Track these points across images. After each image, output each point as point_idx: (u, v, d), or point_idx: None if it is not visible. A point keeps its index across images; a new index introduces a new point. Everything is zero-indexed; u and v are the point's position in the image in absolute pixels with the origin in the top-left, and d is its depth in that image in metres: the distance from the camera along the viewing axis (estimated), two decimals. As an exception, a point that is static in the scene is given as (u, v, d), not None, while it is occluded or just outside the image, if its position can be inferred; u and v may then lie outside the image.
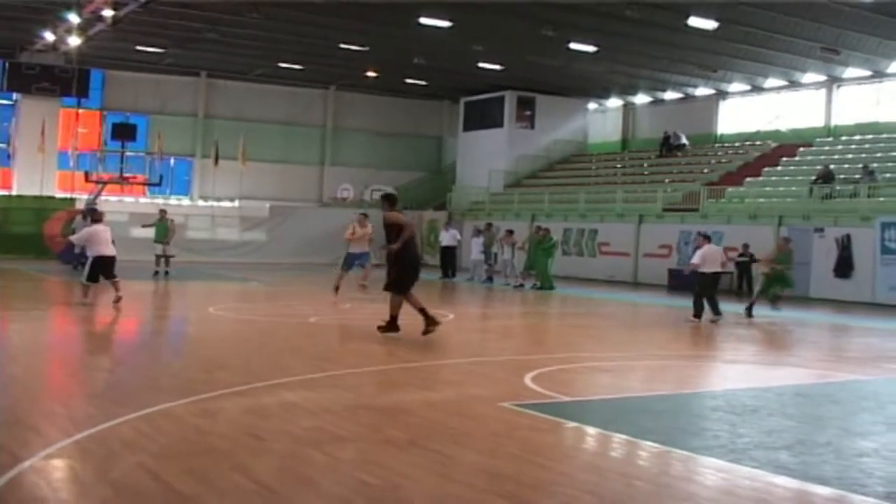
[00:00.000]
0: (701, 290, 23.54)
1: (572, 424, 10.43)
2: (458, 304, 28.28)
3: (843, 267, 32.73)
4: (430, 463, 8.39)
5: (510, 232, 38.09)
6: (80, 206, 41.26)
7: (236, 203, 50.98)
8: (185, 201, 50.88)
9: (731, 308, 26.82)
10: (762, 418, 11.34)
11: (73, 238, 24.60)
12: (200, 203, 50.17)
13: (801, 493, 8.00)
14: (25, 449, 8.17)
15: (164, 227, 33.91)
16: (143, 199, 48.72)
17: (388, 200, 18.07)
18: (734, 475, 8.42)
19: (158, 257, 33.60)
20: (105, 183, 40.52)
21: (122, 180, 41.30)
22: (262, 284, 31.51)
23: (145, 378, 12.41)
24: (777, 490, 8.11)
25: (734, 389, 13.39)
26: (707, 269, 23.60)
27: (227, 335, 18.19)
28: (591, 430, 10.24)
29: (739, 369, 16.07)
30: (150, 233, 34.47)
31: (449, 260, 39.28)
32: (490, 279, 37.09)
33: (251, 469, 7.88)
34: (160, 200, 48.17)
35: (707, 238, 24.62)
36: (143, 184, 44.92)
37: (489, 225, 39.65)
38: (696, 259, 23.88)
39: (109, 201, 42.79)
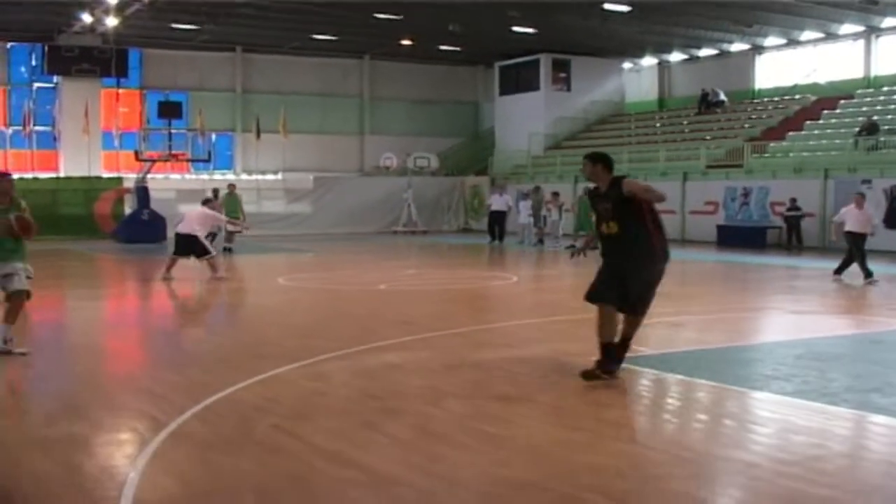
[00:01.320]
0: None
1: (665, 375, 10.80)
2: (517, 266, 28.66)
3: (893, 217, 32.81)
4: (548, 415, 8.80)
5: (556, 194, 38.38)
6: (127, 184, 41.70)
7: (279, 175, 51.33)
8: (230, 176, 51.27)
9: (781, 262, 27.10)
10: (847, 364, 11.68)
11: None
12: (244, 177, 50.55)
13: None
14: (164, 414, 8.61)
15: (234, 202, 33.07)
16: (188, 176, 49.11)
17: (604, 162, 10.64)
18: (833, 416, 8.78)
19: (229, 233, 32.23)
20: (155, 161, 40.88)
21: (172, 157, 41.65)
22: (317, 255, 31.89)
23: (245, 347, 12.81)
24: (877, 428, 8.47)
25: (812, 338, 13.67)
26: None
27: (306, 304, 18.60)
28: (685, 379, 10.61)
29: (810, 319, 16.33)
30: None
31: (499, 224, 39.30)
32: (541, 241, 37.37)
33: (381, 426, 8.31)
34: (205, 176, 48.57)
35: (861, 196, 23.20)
36: (191, 160, 45.27)
37: (537, 188, 39.86)
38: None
39: (156, 179, 43.21)
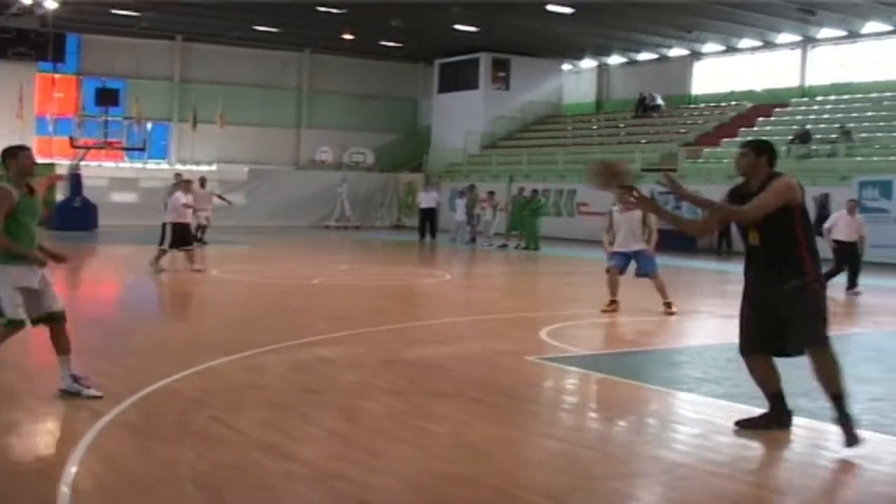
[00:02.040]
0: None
1: (596, 375, 10.97)
2: (450, 264, 28.82)
3: (822, 225, 33.25)
4: (483, 412, 8.92)
5: (491, 193, 38.57)
6: (60, 170, 41.28)
7: (214, 167, 51.10)
8: (164, 165, 50.95)
9: (712, 266, 27.46)
10: (774, 367, 11.90)
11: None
12: (179, 167, 50.22)
13: (825, 433, 8.52)
14: (101, 404, 8.61)
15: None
16: (122, 164, 48.75)
17: (769, 154, 8.33)
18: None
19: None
20: (90, 148, 40.55)
21: (107, 145, 41.32)
22: (253, 247, 31.84)
23: (182, 338, 12.85)
24: (801, 431, 8.67)
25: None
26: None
27: (242, 297, 18.63)
28: (616, 380, 10.78)
29: (740, 323, 16.57)
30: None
31: (429, 221, 39.31)
32: (473, 240, 37.53)
33: (319, 419, 8.39)
34: (139, 165, 48.31)
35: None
36: (126, 149, 44.89)
37: (472, 186, 39.98)
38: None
39: (90, 166, 42.83)
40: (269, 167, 51.46)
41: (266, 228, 41.85)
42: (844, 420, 7.88)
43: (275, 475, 6.78)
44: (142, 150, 44.55)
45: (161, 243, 21.90)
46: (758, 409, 9.16)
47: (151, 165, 49.84)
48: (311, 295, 18.88)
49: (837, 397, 7.99)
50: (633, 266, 17.00)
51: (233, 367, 10.62)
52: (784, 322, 8.19)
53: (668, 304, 16.82)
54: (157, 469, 6.95)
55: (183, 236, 22.06)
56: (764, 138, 8.31)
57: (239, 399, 9.17)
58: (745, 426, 8.42)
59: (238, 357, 11.12)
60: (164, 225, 22.24)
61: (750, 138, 7.79)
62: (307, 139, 55.68)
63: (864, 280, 24.59)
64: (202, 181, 31.78)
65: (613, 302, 16.72)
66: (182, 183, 23.42)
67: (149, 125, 46.08)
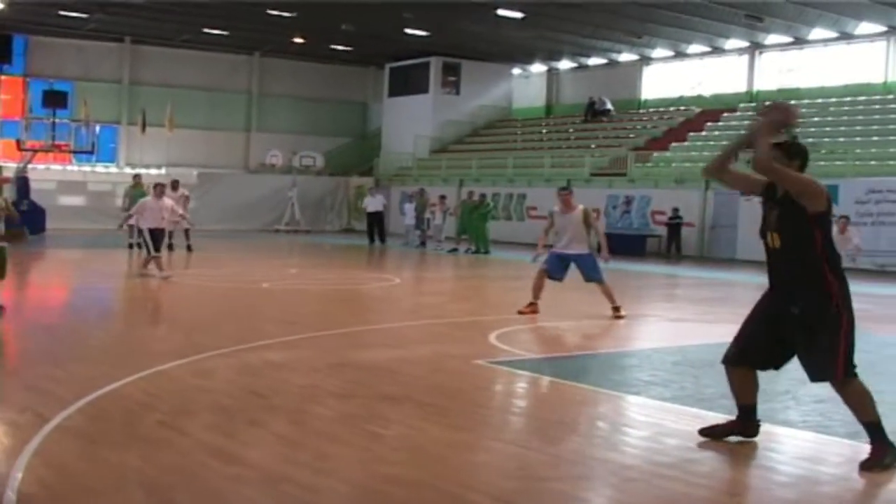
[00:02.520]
0: None
1: (545, 379, 11.02)
2: (399, 268, 28.80)
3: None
4: (431, 415, 8.92)
5: (443, 198, 38.63)
6: (7, 174, 40.85)
7: (163, 170, 50.78)
8: (113, 169, 50.63)
9: (661, 270, 27.62)
10: (721, 371, 11.95)
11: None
12: (128, 170, 49.89)
13: (771, 434, 8.62)
14: (47, 409, 8.54)
15: (141, 194, 28.46)
16: (70, 168, 48.33)
17: (801, 159, 7.91)
18: (708, 420, 9.04)
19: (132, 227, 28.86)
20: (37, 151, 40.23)
21: (55, 148, 40.99)
22: (202, 251, 31.64)
23: (130, 342, 12.76)
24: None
25: (689, 345, 14.02)
26: None
27: (191, 301, 18.54)
28: (565, 383, 10.83)
29: (689, 327, 16.71)
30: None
31: (377, 225, 39.16)
32: (423, 244, 37.55)
33: (267, 423, 8.37)
34: (87, 168, 47.97)
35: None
36: (74, 151, 44.50)
37: (422, 190, 40.01)
38: None
39: (37, 169, 42.53)
40: (219, 171, 51.29)
41: (216, 232, 41.62)
42: (878, 444, 7.42)
43: (223, 479, 6.76)
44: (90, 153, 44.20)
45: (147, 251, 21.60)
46: (705, 412, 9.25)
47: (100, 169, 49.52)
48: (260, 299, 18.83)
49: (872, 424, 7.49)
50: (574, 271, 17.10)
51: (182, 371, 10.57)
52: (797, 345, 7.68)
53: (616, 309, 16.91)
54: (104, 474, 6.90)
55: (156, 243, 21.73)
56: (797, 142, 6.97)
57: (187, 403, 9.13)
58: (707, 434, 8.21)
59: (187, 361, 11.07)
60: (138, 230, 22.44)
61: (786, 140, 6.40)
62: (257, 143, 55.49)
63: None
64: (174, 184, 30.67)
65: (533, 304, 16.79)
66: (158, 187, 22.82)
67: (97, 128, 45.73)
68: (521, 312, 16.52)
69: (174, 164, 51.05)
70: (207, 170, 50.19)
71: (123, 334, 13.94)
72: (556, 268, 17.00)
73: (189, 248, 29.76)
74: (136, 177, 33.02)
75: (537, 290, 16.81)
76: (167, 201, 22.37)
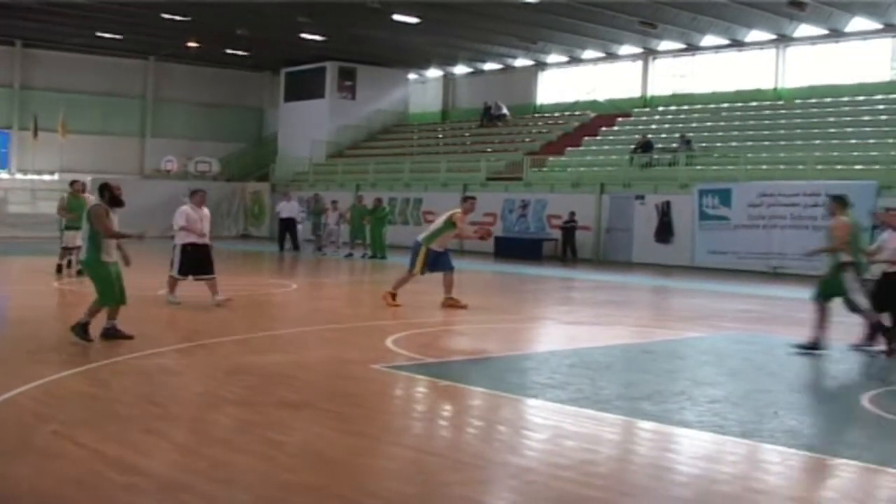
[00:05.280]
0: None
1: (444, 383, 11.03)
2: (296, 275, 28.66)
3: (663, 232, 34.18)
4: (330, 421, 8.90)
5: (335, 202, 38.54)
6: None
7: (56, 176, 49.98)
8: (4, 175, 49.71)
9: (557, 273, 27.80)
10: (618, 373, 12.20)
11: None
12: (20, 177, 49.07)
13: (666, 435, 8.76)
14: (-63, 420, 8.39)
15: (79, 204, 22.69)
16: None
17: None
18: (605, 422, 9.17)
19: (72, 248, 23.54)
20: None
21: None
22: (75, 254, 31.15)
23: (23, 351, 12.45)
24: (646, 433, 8.89)
25: (585, 348, 14.16)
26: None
27: (84, 308, 18.20)
28: (463, 387, 10.86)
29: (585, 330, 16.84)
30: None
31: (289, 232, 38.50)
32: (319, 249, 37.38)
33: (164, 432, 8.27)
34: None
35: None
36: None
37: (316, 196, 39.79)
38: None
39: (-75, 176, 41.72)
40: (114, 176, 50.43)
41: (110, 239, 40.96)
42: None
43: (119, 489, 6.67)
44: (-20, 158, 43.34)
45: (178, 270, 18.27)
46: (602, 414, 9.35)
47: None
48: (156, 306, 18.57)
49: None
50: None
51: (76, 381, 10.41)
52: None
53: (453, 300, 18.18)
54: (-3, 485, 6.79)
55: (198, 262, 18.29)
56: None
57: (83, 413, 9.00)
58: None
59: (82, 370, 10.92)
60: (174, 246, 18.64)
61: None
62: (152, 148, 54.89)
63: (702, 285, 25.23)
64: (83, 187, 25.62)
65: (396, 296, 18.39)
66: (199, 193, 19.36)
67: (-13, 133, 44.92)
68: (391, 305, 18.14)
69: (68, 170, 50.04)
70: (102, 175, 49.22)
71: (16, 343, 13.64)
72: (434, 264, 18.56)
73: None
74: (74, 183, 25.74)
75: (403, 283, 18.64)
76: (206, 211, 18.85)
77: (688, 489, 7.18)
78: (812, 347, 13.72)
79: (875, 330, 13.96)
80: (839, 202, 14.47)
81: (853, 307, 14.00)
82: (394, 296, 18.39)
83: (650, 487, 7.20)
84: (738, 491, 7.07)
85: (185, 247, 18.08)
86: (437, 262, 18.57)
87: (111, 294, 13.37)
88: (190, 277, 18.16)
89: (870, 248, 14.72)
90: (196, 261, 18.01)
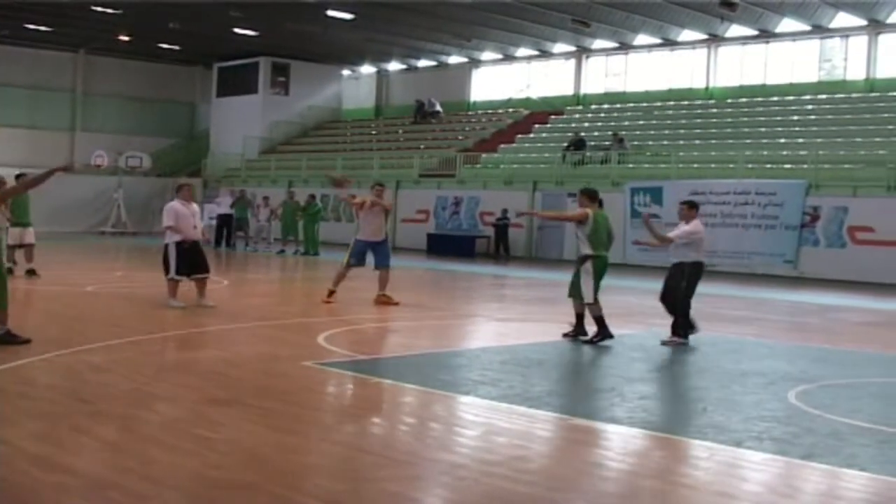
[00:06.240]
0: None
1: (375, 380, 11.02)
2: (227, 271, 28.46)
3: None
4: (260, 418, 8.85)
5: (266, 198, 38.40)
6: None
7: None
8: (-71, 169, 48.97)
9: (489, 270, 27.85)
10: (549, 369, 12.26)
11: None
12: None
13: (597, 431, 8.83)
14: None
15: (26, 199, 22.38)
16: None
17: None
18: (535, 419, 9.20)
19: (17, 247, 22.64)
20: None
21: None
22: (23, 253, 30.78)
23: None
24: (576, 430, 8.94)
25: (517, 345, 14.23)
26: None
27: (14, 304, 17.92)
28: (395, 384, 10.85)
29: (515, 327, 16.94)
30: None
31: (226, 227, 37.66)
32: (246, 245, 37.20)
33: (91, 430, 8.16)
34: None
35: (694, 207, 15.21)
36: None
37: (242, 192, 39.29)
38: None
39: None
40: (42, 171, 49.86)
41: (39, 234, 40.25)
42: None
43: (46, 487, 6.58)
44: None
45: (171, 271, 17.22)
46: (533, 410, 9.38)
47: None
48: (84, 302, 18.42)
49: None
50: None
51: (2, 377, 10.25)
52: None
53: (385, 296, 18.43)
54: (-82, 484, 6.67)
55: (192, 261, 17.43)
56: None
57: (7, 410, 8.86)
58: None
59: (7, 367, 10.75)
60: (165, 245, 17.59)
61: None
62: (82, 143, 54.31)
63: (632, 283, 25.40)
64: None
65: (334, 293, 18.55)
66: (186, 187, 18.25)
67: None
68: (327, 302, 18.29)
69: (-5, 164, 49.63)
70: (30, 170, 48.30)
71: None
72: (362, 259, 18.84)
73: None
74: (20, 176, 20.26)
75: (340, 279, 18.77)
76: (195, 206, 18.05)
77: (616, 484, 7.23)
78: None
79: (581, 320, 14.74)
80: (587, 195, 15.22)
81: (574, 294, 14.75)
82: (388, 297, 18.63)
83: (579, 483, 7.23)
84: (666, 486, 7.13)
85: (179, 245, 17.09)
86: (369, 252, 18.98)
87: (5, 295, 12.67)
88: (185, 278, 17.28)
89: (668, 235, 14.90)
90: (191, 259, 17.20)
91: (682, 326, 14.46)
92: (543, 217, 13.74)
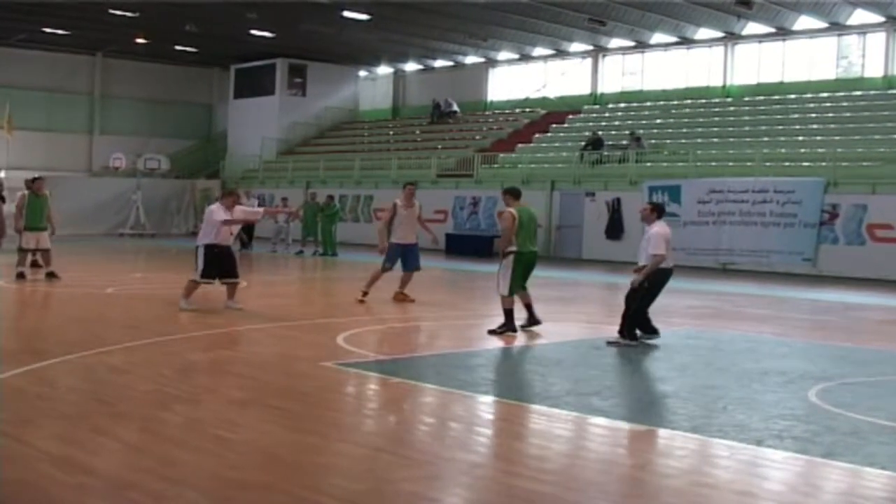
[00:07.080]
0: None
1: (395, 380, 11.01)
2: (246, 272, 28.46)
3: (614, 229, 34.34)
4: (280, 418, 8.86)
5: (284, 199, 38.39)
6: None
7: (2, 173, 49.43)
8: (-52, 173, 49.18)
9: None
10: (568, 369, 12.23)
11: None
12: (-40, 175, 48.52)
13: (616, 430, 8.82)
14: None
15: (40, 203, 22.34)
16: None
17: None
18: (555, 418, 9.19)
19: (29, 251, 22.58)
20: None
21: None
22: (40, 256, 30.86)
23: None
24: (595, 429, 8.92)
25: (535, 344, 14.23)
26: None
27: (32, 307, 18.10)
28: (414, 384, 10.84)
29: (535, 326, 16.88)
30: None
31: (248, 230, 36.27)
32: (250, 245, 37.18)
33: (112, 431, 8.19)
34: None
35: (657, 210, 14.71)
36: None
37: (242, 192, 38.83)
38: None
39: None
40: (61, 174, 50.04)
41: (58, 237, 40.31)
42: None
43: (68, 489, 6.61)
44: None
45: (203, 274, 17.07)
46: (552, 410, 9.36)
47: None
48: (104, 304, 18.47)
49: None
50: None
51: (23, 379, 10.29)
52: None
53: (403, 294, 18.89)
54: (-60, 486, 6.70)
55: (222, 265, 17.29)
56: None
57: (29, 412, 8.89)
58: None
59: (29, 368, 10.79)
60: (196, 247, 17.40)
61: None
62: (100, 145, 54.50)
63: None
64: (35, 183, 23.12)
65: (367, 294, 18.85)
66: (233, 194, 17.95)
67: (-69, 130, 44.33)
68: (361, 301, 18.70)
69: (14, 168, 49.58)
70: (49, 173, 48.82)
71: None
72: (395, 261, 19.05)
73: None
74: (37, 180, 23.02)
75: (375, 280, 19.03)
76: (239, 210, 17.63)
77: (637, 483, 7.22)
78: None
79: (530, 309, 15.43)
80: (511, 194, 15.29)
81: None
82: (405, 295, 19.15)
83: (599, 483, 7.22)
84: (686, 485, 7.11)
85: (209, 248, 16.89)
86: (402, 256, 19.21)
87: None
88: (217, 281, 17.23)
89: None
90: (221, 263, 17.05)
91: (629, 328, 14.24)
92: (502, 247, 13.80)
